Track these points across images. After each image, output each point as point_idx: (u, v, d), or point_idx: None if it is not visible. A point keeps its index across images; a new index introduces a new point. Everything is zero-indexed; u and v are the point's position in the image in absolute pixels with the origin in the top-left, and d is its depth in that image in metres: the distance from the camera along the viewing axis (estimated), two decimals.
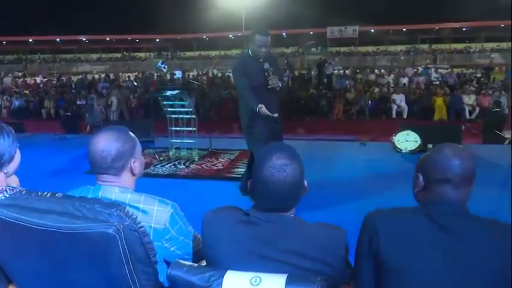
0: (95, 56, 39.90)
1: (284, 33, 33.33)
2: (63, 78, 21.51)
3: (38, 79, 22.79)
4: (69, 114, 11.92)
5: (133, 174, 1.46)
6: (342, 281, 1.31)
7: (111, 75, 20.89)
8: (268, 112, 3.28)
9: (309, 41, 34.29)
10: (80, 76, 22.60)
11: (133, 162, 1.44)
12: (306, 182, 1.33)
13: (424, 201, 1.34)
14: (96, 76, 22.55)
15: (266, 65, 3.39)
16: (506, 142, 6.92)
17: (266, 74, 3.39)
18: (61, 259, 1.27)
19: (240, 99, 3.61)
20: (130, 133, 1.48)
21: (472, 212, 1.30)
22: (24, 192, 1.35)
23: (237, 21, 34.89)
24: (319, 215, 3.45)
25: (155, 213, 1.40)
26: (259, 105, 3.27)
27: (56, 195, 1.31)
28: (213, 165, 5.35)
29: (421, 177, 1.35)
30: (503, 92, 13.07)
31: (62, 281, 1.31)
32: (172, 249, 1.44)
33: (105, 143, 1.40)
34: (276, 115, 3.40)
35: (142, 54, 40.84)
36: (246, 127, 3.55)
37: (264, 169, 1.24)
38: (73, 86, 18.50)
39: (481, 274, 1.18)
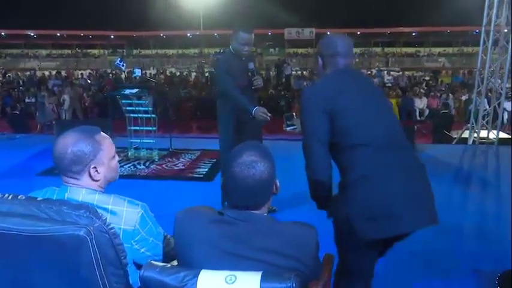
0: (44, 51, 38.10)
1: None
2: (10, 74, 20.39)
3: None
4: (18, 112, 11.30)
5: (93, 180, 1.38)
6: (313, 276, 1.34)
7: (63, 73, 20.04)
8: (266, 113, 3.08)
9: (267, 41, 34.54)
10: (29, 72, 21.50)
11: (94, 167, 1.37)
12: (278, 182, 1.35)
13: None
14: (46, 73, 21.54)
15: (251, 65, 3.25)
16: (454, 142, 7.32)
17: (250, 74, 3.26)
18: (24, 264, 1.21)
19: (220, 99, 3.36)
20: (99, 136, 1.40)
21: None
22: None
23: (195, 19, 34.55)
24: (281, 214, 3.51)
25: (124, 214, 1.36)
26: (256, 108, 3.06)
27: (19, 197, 1.25)
28: (174, 165, 5.28)
29: (319, 59, 1.86)
30: (450, 95, 13.83)
31: (24, 287, 1.25)
32: (142, 250, 1.41)
33: (63, 144, 1.33)
34: (269, 115, 3.16)
35: (95, 51, 39.46)
36: (227, 129, 3.33)
37: (234, 165, 1.25)
38: (21, 83, 17.59)
39: (380, 92, 1.94)
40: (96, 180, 1.39)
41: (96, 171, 1.38)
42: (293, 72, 19.98)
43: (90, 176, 1.37)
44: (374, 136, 1.67)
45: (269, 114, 3.12)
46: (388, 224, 1.61)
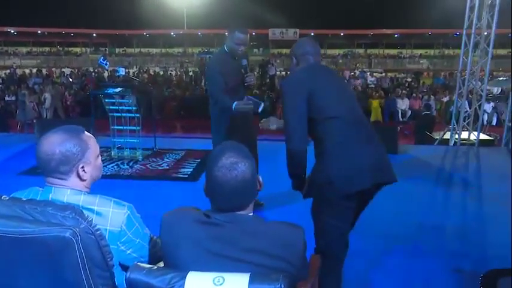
0: (24, 49, 37.27)
1: (226, 33, 33.23)
2: None
3: None
4: None
5: (81, 180, 1.37)
6: (301, 277, 1.34)
7: (44, 71, 19.67)
8: (248, 104, 3.08)
9: (251, 41, 34.50)
10: (9, 70, 21.01)
11: (82, 167, 1.35)
12: (260, 178, 1.35)
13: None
14: (27, 71, 21.09)
15: (244, 62, 3.29)
16: (436, 143, 7.44)
17: (243, 71, 3.29)
18: (8, 266, 1.19)
19: (211, 99, 3.38)
20: (84, 135, 1.38)
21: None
22: None
23: (179, 18, 34.35)
24: (268, 212, 3.51)
25: (111, 215, 1.34)
26: (236, 103, 3.06)
27: (2, 197, 1.23)
28: (159, 165, 5.23)
29: (293, 59, 2.23)
30: (431, 96, 14.07)
31: None
32: (128, 252, 1.39)
33: (49, 145, 1.30)
34: (261, 105, 3.21)
35: (77, 49, 38.81)
36: (220, 128, 3.34)
37: (215, 169, 1.24)
38: (1, 81, 17.20)
39: (343, 80, 2.37)
40: (84, 180, 1.37)
41: (84, 170, 1.36)
42: (277, 73, 20.01)
43: (79, 176, 1.35)
44: (342, 111, 2.05)
45: (250, 103, 3.13)
46: (362, 179, 1.97)
